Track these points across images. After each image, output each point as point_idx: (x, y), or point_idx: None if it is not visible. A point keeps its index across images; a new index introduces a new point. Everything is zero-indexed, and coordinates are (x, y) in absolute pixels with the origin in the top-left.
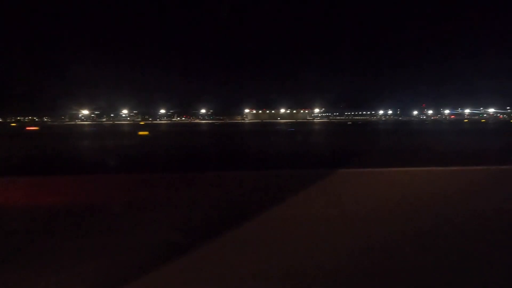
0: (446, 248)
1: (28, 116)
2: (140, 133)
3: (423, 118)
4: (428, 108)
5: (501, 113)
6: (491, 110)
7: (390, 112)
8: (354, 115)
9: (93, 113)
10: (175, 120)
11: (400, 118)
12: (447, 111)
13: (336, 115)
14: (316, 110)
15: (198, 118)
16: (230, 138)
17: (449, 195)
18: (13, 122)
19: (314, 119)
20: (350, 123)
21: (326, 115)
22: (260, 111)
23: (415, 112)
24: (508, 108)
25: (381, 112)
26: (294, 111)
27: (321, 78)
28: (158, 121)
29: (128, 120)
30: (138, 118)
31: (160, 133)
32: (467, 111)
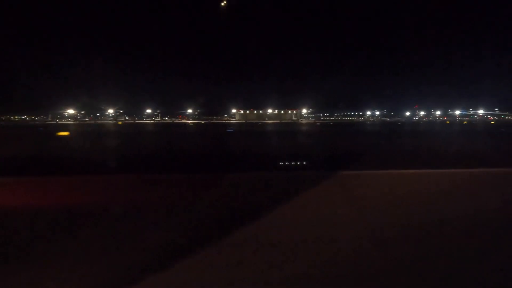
0: (449, 250)
1: (16, 115)
2: (59, 133)
3: (415, 119)
4: (420, 110)
5: (490, 115)
6: (481, 112)
7: (378, 113)
8: (344, 115)
9: (79, 113)
10: (158, 120)
11: (388, 119)
12: (438, 112)
13: (326, 116)
14: (304, 111)
15: (185, 118)
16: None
17: (452, 197)
18: None
19: (299, 119)
20: (319, 123)
21: (316, 115)
22: (247, 111)
23: (408, 113)
24: (496, 109)
25: (373, 113)
26: (282, 112)
27: (310, 79)
28: (143, 121)
29: (112, 120)
30: (121, 118)
31: (87, 134)
32: (457, 112)
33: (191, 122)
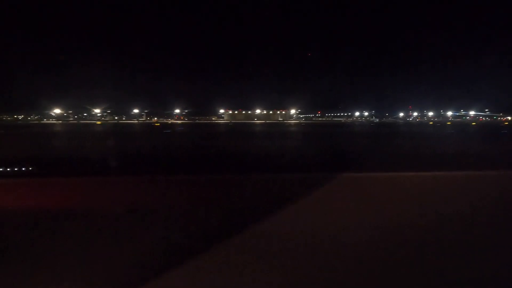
0: (451, 252)
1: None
2: None
3: (409, 120)
4: (414, 110)
5: (481, 116)
6: (472, 113)
7: (369, 113)
8: (335, 116)
9: (66, 112)
10: (142, 120)
11: (378, 120)
12: (431, 113)
13: (318, 116)
14: (293, 111)
15: (180, 118)
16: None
17: (453, 199)
18: None
19: (289, 120)
20: (310, 123)
21: (307, 116)
22: (236, 112)
23: (402, 114)
24: (486, 110)
25: (365, 113)
26: (271, 112)
27: (302, 79)
28: (126, 121)
29: (98, 120)
30: (109, 118)
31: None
32: (449, 113)
33: (174, 122)
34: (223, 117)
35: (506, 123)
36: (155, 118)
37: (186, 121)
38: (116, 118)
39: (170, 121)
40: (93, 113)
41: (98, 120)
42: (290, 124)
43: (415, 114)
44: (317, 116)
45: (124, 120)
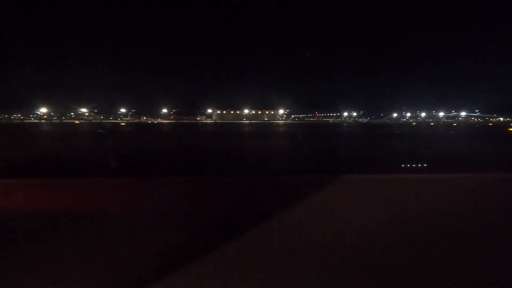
0: (451, 254)
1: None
2: None
3: (402, 120)
4: (407, 111)
5: (472, 117)
6: (463, 114)
7: (355, 114)
8: (326, 117)
9: (52, 112)
10: (126, 119)
11: (365, 120)
12: (423, 114)
13: (310, 116)
14: (281, 111)
15: (161, 118)
16: None
17: (452, 201)
18: None
19: (279, 120)
20: (300, 123)
21: (297, 116)
22: (224, 112)
23: (395, 115)
24: (477, 111)
25: (354, 114)
26: (260, 112)
27: (289, 80)
28: (116, 121)
29: (85, 119)
30: (91, 117)
31: None
32: (441, 114)
33: (155, 122)
34: (211, 117)
35: (490, 124)
36: (144, 118)
37: (174, 120)
38: (103, 117)
39: (154, 121)
40: (80, 112)
41: (80, 119)
42: (277, 124)
43: (408, 114)
44: (309, 116)
45: (110, 120)
